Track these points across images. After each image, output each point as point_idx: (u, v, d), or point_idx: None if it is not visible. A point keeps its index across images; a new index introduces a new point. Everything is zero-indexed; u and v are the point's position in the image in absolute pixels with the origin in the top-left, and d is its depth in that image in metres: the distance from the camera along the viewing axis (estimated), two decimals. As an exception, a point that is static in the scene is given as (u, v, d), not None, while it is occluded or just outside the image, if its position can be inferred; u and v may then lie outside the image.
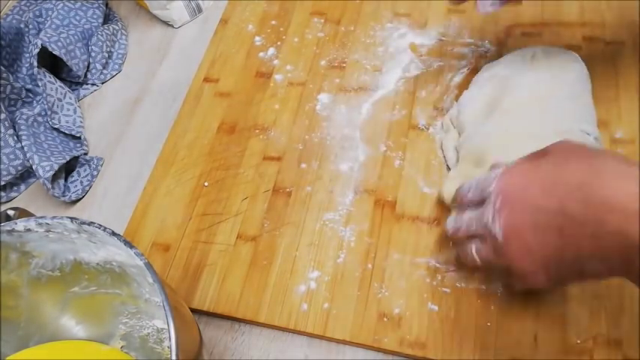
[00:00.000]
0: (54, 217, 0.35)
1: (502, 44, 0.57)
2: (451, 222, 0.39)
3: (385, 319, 0.43)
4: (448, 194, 0.45)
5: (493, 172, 0.34)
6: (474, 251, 0.36)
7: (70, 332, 0.42)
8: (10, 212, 0.39)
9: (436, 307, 0.43)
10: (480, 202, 0.35)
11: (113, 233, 0.34)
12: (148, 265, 0.33)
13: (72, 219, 0.34)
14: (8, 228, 0.35)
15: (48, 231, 0.36)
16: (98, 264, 0.39)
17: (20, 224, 0.35)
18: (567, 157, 0.30)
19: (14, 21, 0.67)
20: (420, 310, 0.43)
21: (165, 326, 0.31)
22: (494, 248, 0.33)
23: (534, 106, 0.45)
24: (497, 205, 0.32)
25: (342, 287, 0.45)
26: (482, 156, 0.45)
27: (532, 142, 0.42)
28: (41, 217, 0.35)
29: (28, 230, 0.36)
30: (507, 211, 0.31)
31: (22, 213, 0.40)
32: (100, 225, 0.34)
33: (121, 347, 0.42)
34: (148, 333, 0.42)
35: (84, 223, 0.34)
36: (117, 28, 0.68)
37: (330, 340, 0.44)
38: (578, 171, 0.28)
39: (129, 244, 0.33)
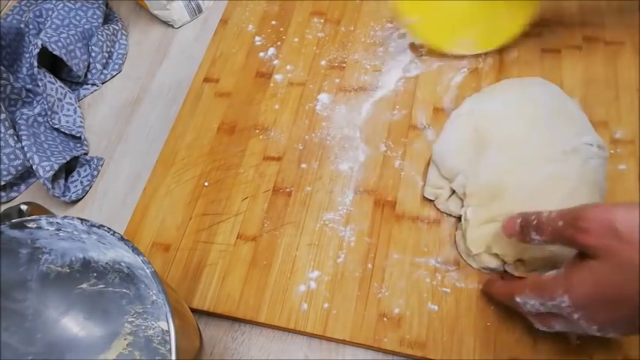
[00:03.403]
0: (64, 217, 0.35)
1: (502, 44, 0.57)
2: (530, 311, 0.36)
3: (385, 319, 0.43)
4: (473, 243, 0.44)
5: (553, 290, 0.33)
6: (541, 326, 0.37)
7: (76, 328, 0.42)
8: (23, 207, 0.39)
9: (436, 307, 0.43)
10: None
11: (121, 238, 0.34)
12: (155, 275, 0.33)
13: (82, 220, 0.35)
14: (20, 224, 0.36)
15: (58, 230, 0.36)
16: (107, 263, 0.40)
17: (31, 221, 0.35)
18: (614, 248, 0.29)
19: (14, 21, 0.67)
20: (420, 310, 0.43)
21: (170, 328, 0.31)
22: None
23: (527, 129, 0.44)
24: (578, 317, 0.32)
25: (342, 287, 0.45)
26: (496, 190, 0.43)
27: (541, 165, 0.42)
28: (52, 216, 0.36)
29: (39, 228, 0.36)
30: (591, 316, 0.32)
31: (35, 208, 0.40)
32: (110, 229, 0.34)
33: (126, 345, 0.42)
34: (153, 333, 0.42)
35: (94, 225, 0.35)
36: (117, 28, 0.68)
37: (330, 340, 0.44)
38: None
39: (137, 251, 0.34)
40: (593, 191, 0.42)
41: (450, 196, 0.47)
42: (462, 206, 0.46)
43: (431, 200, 0.48)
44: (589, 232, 0.30)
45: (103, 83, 0.65)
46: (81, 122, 0.61)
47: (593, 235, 0.30)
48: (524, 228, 0.36)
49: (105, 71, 0.66)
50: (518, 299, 0.36)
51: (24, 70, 0.63)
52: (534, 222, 0.34)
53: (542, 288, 0.34)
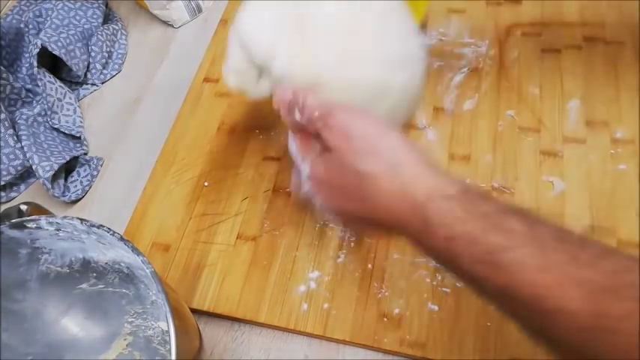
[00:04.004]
0: (64, 217, 0.35)
1: (502, 44, 0.57)
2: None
3: (385, 319, 0.43)
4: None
5: (304, 167, 0.36)
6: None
7: (76, 328, 0.42)
8: (23, 207, 0.39)
9: (436, 307, 0.43)
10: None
11: (121, 238, 0.34)
12: (154, 275, 0.33)
13: (82, 220, 0.35)
14: (19, 224, 0.36)
15: (58, 230, 0.36)
16: (107, 263, 0.40)
17: (31, 221, 0.35)
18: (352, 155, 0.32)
19: (14, 21, 0.67)
20: (420, 310, 0.43)
21: (169, 328, 0.31)
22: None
23: (356, 17, 0.39)
24: (314, 193, 0.36)
25: (342, 287, 0.45)
26: (315, 84, 0.37)
27: (367, 71, 0.39)
28: (51, 216, 0.36)
29: (39, 228, 0.36)
30: (321, 198, 0.35)
31: (35, 208, 0.40)
32: (109, 229, 0.34)
33: (126, 346, 0.42)
34: (153, 334, 0.42)
35: (93, 225, 0.35)
36: (117, 28, 0.68)
37: (330, 340, 0.44)
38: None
39: (137, 251, 0.34)
40: (413, 105, 0.41)
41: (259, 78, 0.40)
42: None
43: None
44: (331, 130, 0.33)
45: (102, 83, 0.65)
46: (80, 122, 0.61)
47: (332, 133, 0.33)
48: (291, 104, 0.36)
49: (105, 71, 0.66)
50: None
51: (24, 69, 0.63)
52: (301, 103, 0.35)
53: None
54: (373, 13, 0.40)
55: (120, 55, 0.67)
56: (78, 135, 0.59)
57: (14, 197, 0.58)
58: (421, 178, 0.30)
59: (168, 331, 0.31)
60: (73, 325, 0.42)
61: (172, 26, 0.68)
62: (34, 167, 0.53)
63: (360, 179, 0.32)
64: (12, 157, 0.55)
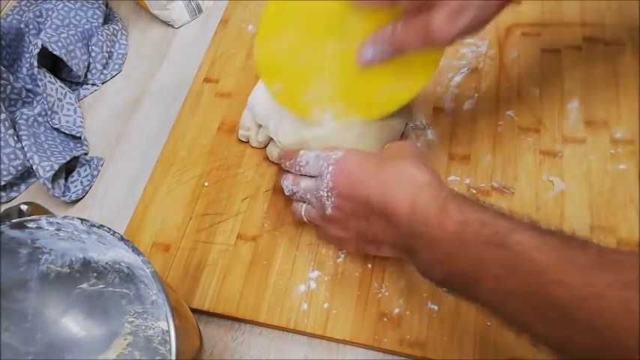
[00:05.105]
0: (64, 217, 0.35)
1: (502, 44, 0.57)
2: (288, 185, 0.46)
3: (385, 319, 0.43)
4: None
5: (332, 154, 0.41)
6: (303, 212, 0.45)
7: (76, 328, 0.42)
8: (24, 207, 0.39)
9: (436, 307, 0.43)
10: (314, 174, 0.43)
11: (122, 238, 0.34)
12: (155, 275, 0.33)
13: (82, 220, 0.35)
14: (20, 224, 0.36)
15: (58, 230, 0.36)
16: (107, 263, 0.40)
17: (31, 221, 0.35)
18: (384, 162, 0.39)
19: (14, 21, 0.67)
20: (420, 310, 0.43)
21: (170, 328, 0.31)
22: (322, 216, 0.42)
23: None
24: (330, 186, 0.40)
25: (342, 287, 0.45)
26: (300, 140, 0.48)
27: (330, 120, 0.47)
28: (52, 216, 0.36)
29: (39, 228, 0.36)
30: (336, 193, 0.40)
31: (35, 208, 0.40)
32: (110, 229, 0.34)
33: (126, 345, 0.42)
34: (153, 333, 0.42)
35: (94, 225, 0.35)
36: (117, 28, 0.68)
37: (330, 340, 0.44)
38: (380, 178, 0.38)
39: (137, 251, 0.34)
40: (377, 138, 0.47)
41: (257, 133, 0.53)
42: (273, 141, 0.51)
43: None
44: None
45: (103, 83, 0.65)
46: (81, 122, 0.61)
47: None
48: (288, 156, 0.45)
49: (105, 71, 0.66)
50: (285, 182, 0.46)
51: (24, 70, 0.63)
52: (292, 156, 0.45)
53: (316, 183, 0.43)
54: None
55: (120, 56, 0.67)
56: (78, 135, 0.59)
57: (14, 197, 0.58)
58: (437, 181, 0.37)
59: (168, 331, 0.31)
60: (73, 324, 0.42)
61: (172, 26, 0.68)
62: (34, 167, 0.53)
63: (397, 165, 0.38)
64: (12, 157, 0.55)
